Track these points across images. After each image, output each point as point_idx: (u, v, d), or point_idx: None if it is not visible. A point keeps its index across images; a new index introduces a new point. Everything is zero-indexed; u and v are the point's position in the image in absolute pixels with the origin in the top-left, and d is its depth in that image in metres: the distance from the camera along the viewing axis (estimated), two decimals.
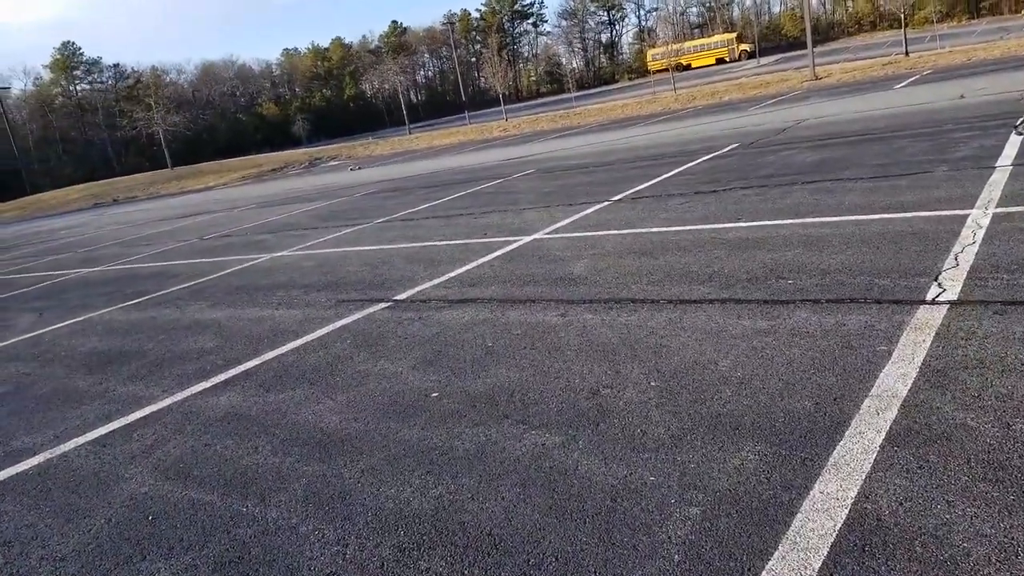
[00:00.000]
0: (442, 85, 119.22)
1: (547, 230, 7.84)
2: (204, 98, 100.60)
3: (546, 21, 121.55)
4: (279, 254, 9.51)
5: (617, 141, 19.16)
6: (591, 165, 14.09)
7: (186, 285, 8.39)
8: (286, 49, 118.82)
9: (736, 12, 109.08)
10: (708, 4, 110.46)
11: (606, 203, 8.91)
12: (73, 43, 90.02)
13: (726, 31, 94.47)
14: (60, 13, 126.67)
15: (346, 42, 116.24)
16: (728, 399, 3.06)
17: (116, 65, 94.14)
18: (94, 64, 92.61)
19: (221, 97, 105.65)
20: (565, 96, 72.71)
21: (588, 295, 5.02)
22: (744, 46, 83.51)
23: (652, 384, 3.35)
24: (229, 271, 8.84)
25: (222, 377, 4.66)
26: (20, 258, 16.23)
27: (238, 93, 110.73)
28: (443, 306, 5.48)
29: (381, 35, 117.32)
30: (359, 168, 27.15)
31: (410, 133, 50.44)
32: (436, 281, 6.34)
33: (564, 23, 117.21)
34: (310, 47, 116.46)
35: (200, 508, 2.96)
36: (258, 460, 3.32)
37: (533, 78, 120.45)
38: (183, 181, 41.48)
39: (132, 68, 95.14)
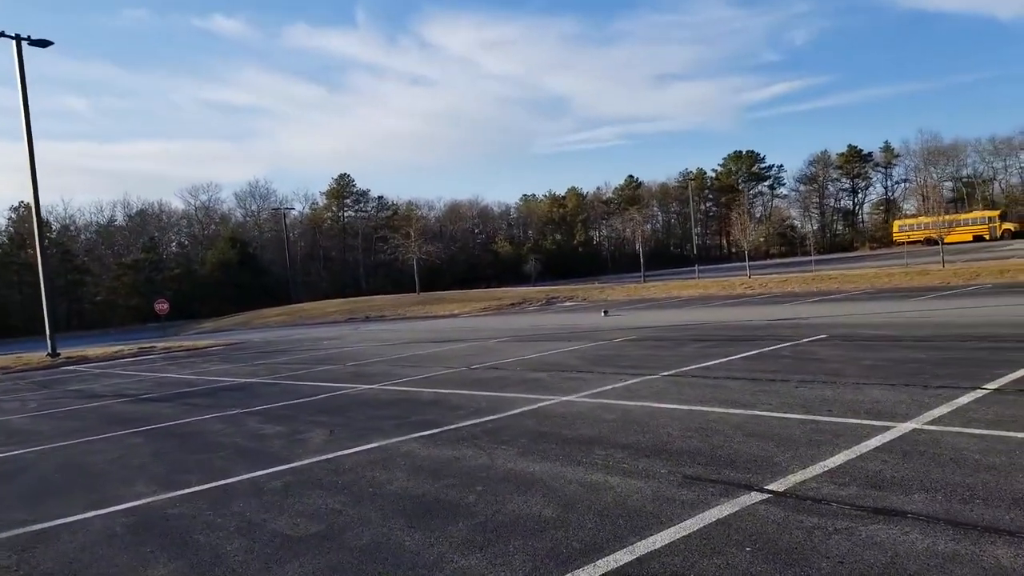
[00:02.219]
0: (666, 238, 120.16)
1: (923, 419, 6.16)
2: (448, 233, 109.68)
3: (783, 184, 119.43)
4: (567, 398, 8.62)
5: (909, 312, 16.78)
6: (903, 338, 12.06)
7: (476, 421, 7.68)
8: (525, 195, 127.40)
9: (997, 188, 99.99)
10: (966, 179, 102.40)
11: (983, 392, 7.03)
12: (348, 175, 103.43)
13: (986, 208, 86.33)
14: (340, 147, 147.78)
15: (581, 192, 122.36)
16: None
17: (380, 197, 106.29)
18: (362, 195, 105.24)
19: (462, 233, 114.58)
20: (800, 259, 69.39)
21: None
22: (1008, 225, 75.55)
23: None
24: (519, 411, 8.06)
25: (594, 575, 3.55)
26: (296, 363, 17.14)
27: (476, 231, 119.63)
28: (857, 515, 4.05)
29: (616, 187, 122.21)
30: (607, 314, 26.66)
31: (644, 281, 50.09)
32: (812, 471, 4.94)
33: (802, 187, 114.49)
34: (547, 194, 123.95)
35: None
36: None
37: (762, 239, 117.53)
38: (428, 306, 43.97)
39: (392, 201, 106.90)
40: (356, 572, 3.83)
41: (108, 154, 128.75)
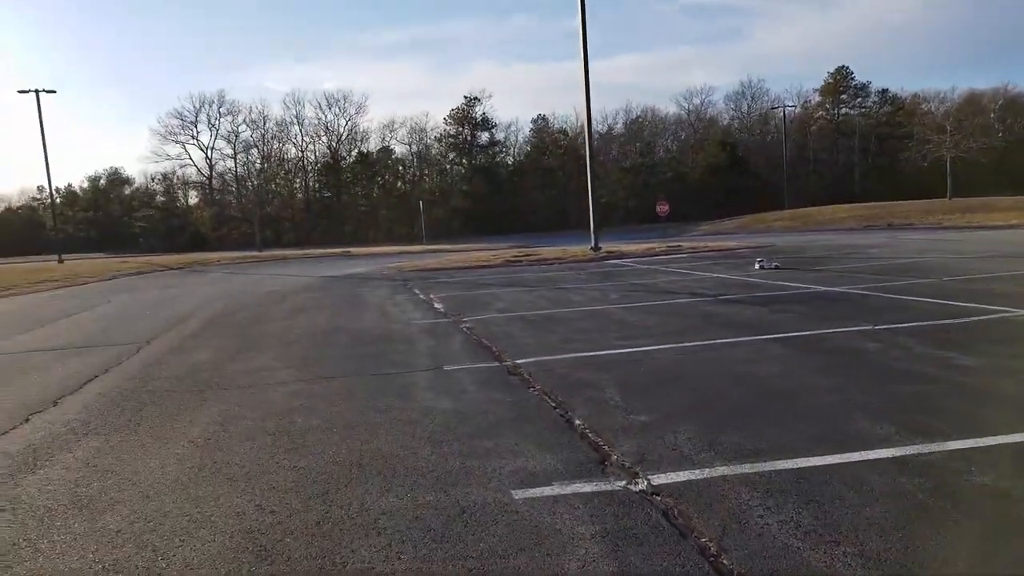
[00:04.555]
0: None
1: None
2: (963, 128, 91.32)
3: None
4: None
5: None
6: None
7: None
8: None
9: None
10: None
11: None
12: (846, 68, 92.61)
13: None
14: (831, 40, 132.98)
15: None
16: None
17: (885, 91, 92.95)
18: (860, 89, 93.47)
19: (980, 129, 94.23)
20: None
21: None
22: None
23: None
24: None
25: None
26: (865, 272, 14.77)
27: (1000, 125, 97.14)
28: None
29: None
30: None
31: None
32: None
33: None
34: None
35: None
36: None
37: None
38: (968, 215, 36.59)
39: (895, 93, 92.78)
40: None
41: (604, 68, 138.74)
